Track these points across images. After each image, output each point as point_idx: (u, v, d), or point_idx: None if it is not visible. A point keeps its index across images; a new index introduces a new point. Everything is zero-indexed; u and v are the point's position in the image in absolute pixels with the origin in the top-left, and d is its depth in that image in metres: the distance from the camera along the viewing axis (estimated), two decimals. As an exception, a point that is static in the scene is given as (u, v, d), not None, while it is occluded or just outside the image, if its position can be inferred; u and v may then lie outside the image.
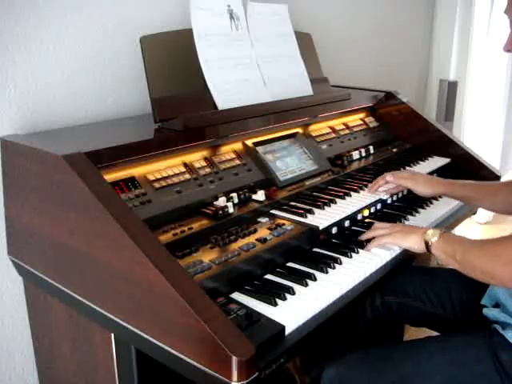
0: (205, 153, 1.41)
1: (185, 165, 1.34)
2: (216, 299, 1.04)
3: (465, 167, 1.90)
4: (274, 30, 1.68)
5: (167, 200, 1.24)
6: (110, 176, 1.18)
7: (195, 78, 1.46)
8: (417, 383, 1.19)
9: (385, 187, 1.56)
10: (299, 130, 1.70)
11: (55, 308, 1.28)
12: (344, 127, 1.89)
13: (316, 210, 1.39)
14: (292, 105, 1.61)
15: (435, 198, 1.68)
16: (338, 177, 1.64)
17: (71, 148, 1.08)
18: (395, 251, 1.32)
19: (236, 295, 1.10)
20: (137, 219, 1.00)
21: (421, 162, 1.87)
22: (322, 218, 1.35)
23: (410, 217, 1.54)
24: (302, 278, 1.16)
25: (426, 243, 1.24)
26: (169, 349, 0.95)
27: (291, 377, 1.77)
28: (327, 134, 1.80)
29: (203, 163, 1.38)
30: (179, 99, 1.41)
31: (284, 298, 1.08)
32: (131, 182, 1.22)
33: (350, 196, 1.52)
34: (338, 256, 1.27)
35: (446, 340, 1.30)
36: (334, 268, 1.22)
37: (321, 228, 1.32)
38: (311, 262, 1.25)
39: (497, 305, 1.28)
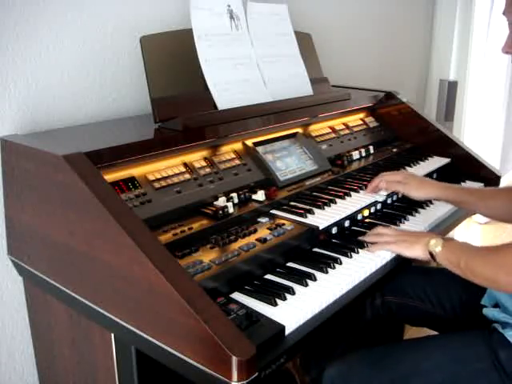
0: (205, 153, 1.41)
1: (185, 165, 1.34)
2: (216, 299, 1.04)
3: (465, 167, 1.90)
4: (273, 29, 1.68)
5: (167, 200, 1.24)
6: (110, 176, 1.18)
7: (195, 78, 1.46)
8: (417, 381, 1.19)
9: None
10: (299, 130, 1.70)
11: (55, 308, 1.28)
12: (344, 127, 1.88)
13: (316, 210, 1.39)
14: (292, 105, 1.60)
15: (435, 198, 1.68)
16: (338, 177, 1.64)
17: (71, 148, 1.08)
18: (395, 251, 1.32)
19: (236, 295, 1.10)
20: (137, 219, 1.00)
21: (421, 162, 1.87)
22: (322, 218, 1.35)
23: (409, 217, 1.54)
24: (302, 278, 1.16)
25: (431, 253, 1.24)
26: (169, 349, 0.94)
27: (291, 377, 1.77)
28: (327, 134, 1.80)
29: (203, 163, 1.38)
30: (179, 99, 1.41)
31: (284, 298, 1.08)
32: (131, 182, 1.22)
33: (350, 196, 1.52)
34: (338, 256, 1.27)
35: (445, 338, 1.30)
36: (334, 268, 1.22)
37: (321, 228, 1.32)
38: (311, 261, 1.25)
39: (496, 305, 1.28)
